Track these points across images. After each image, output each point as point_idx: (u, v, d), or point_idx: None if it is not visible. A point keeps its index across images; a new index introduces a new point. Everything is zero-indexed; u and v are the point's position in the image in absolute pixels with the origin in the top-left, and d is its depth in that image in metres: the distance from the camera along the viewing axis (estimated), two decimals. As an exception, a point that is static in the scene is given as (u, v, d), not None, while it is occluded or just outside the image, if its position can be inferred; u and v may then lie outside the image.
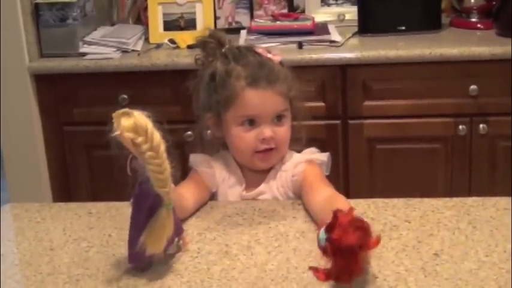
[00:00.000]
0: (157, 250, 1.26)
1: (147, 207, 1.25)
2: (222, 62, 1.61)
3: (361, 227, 1.14)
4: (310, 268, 1.22)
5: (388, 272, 1.25)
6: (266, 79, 1.59)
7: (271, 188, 1.64)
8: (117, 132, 1.19)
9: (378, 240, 1.16)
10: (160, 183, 1.22)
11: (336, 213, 1.16)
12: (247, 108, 1.59)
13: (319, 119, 2.52)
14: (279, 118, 1.61)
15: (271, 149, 1.61)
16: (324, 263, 1.19)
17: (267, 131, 1.59)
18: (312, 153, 1.67)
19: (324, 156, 1.66)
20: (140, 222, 1.26)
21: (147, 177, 1.21)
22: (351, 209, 1.18)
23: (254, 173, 1.66)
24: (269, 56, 1.65)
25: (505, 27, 2.57)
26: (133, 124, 1.18)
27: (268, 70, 1.60)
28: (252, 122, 1.59)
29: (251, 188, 1.65)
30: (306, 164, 1.63)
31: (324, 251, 1.18)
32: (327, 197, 1.48)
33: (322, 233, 1.18)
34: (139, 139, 1.19)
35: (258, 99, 1.58)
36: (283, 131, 1.61)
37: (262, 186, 1.64)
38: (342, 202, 1.43)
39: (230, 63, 1.61)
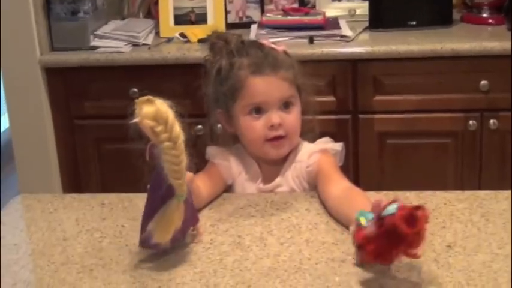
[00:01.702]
0: (163, 240, 1.26)
1: (159, 196, 1.25)
2: (227, 58, 1.62)
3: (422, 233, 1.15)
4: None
5: (401, 263, 1.24)
6: (269, 66, 1.59)
7: (288, 180, 1.64)
8: (137, 119, 1.18)
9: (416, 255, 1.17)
10: (174, 174, 1.21)
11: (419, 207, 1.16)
12: (252, 96, 1.59)
13: (329, 113, 2.52)
14: (286, 105, 1.61)
15: (281, 137, 1.60)
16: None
17: (274, 117, 1.58)
18: (326, 143, 1.67)
19: (338, 146, 1.66)
20: (152, 210, 1.26)
21: (163, 167, 1.21)
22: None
23: (269, 166, 1.66)
24: (272, 46, 1.66)
25: (517, 22, 2.57)
26: (154, 112, 1.17)
27: (272, 58, 1.61)
28: (259, 110, 1.59)
29: (268, 180, 1.65)
30: (320, 153, 1.62)
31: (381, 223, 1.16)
32: (344, 189, 1.49)
33: (393, 206, 1.16)
34: (159, 128, 1.18)
35: (263, 86, 1.59)
36: (292, 118, 1.61)
37: (279, 180, 1.64)
38: (359, 195, 1.44)
39: (234, 57, 1.62)
